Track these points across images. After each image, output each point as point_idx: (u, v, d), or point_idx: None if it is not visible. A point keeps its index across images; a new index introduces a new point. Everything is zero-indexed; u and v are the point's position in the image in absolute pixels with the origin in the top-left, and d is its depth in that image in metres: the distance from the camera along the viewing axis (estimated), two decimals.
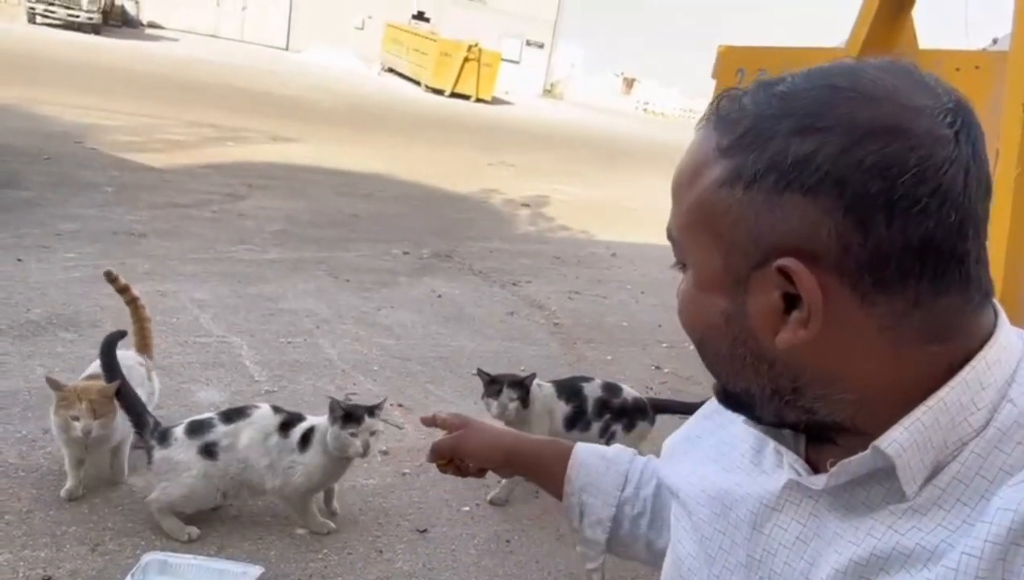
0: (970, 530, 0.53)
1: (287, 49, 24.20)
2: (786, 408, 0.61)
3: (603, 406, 2.58)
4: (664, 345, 4.41)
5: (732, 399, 0.67)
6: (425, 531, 2.38)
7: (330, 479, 2.28)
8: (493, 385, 2.48)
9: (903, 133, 0.52)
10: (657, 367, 4.07)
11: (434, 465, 1.03)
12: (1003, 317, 0.60)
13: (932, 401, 0.55)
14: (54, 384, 2.18)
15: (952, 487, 0.55)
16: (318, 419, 2.25)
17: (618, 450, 1.01)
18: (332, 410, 2.18)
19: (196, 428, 2.20)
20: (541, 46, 29.21)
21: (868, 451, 0.56)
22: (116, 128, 7.98)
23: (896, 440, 0.55)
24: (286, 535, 2.25)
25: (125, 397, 2.22)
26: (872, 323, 0.55)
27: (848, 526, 0.59)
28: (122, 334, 2.41)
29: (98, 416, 2.15)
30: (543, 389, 2.59)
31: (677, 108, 36.78)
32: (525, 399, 2.46)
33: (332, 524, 2.30)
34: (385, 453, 2.77)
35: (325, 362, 3.45)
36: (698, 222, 0.60)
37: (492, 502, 2.56)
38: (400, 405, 3.13)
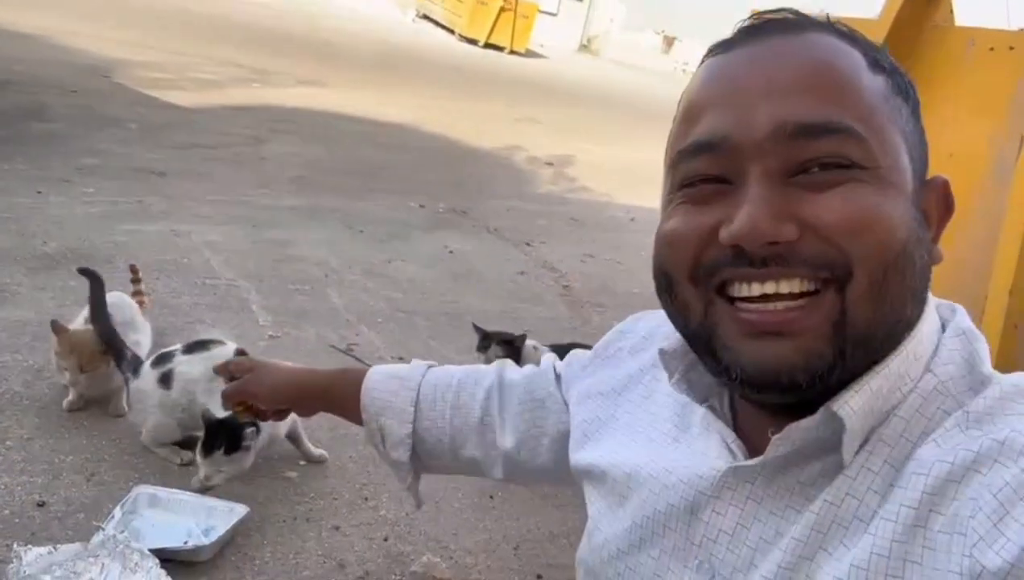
0: (889, 494, 0.54)
1: None
2: (886, 346, 0.58)
3: None
4: None
5: (838, 365, 0.56)
6: None
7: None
8: (485, 340, 2.52)
9: None
10: None
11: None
12: (929, 292, 0.62)
13: (881, 368, 0.56)
14: (56, 328, 2.27)
15: (878, 449, 0.56)
16: None
17: (413, 366, 1.02)
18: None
19: (160, 359, 2.28)
20: None
21: (819, 413, 0.56)
22: (145, 64, 8.00)
23: (848, 403, 0.55)
24: (276, 478, 2.32)
25: (106, 336, 2.31)
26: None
27: (786, 507, 0.59)
28: (101, 288, 2.46)
29: (85, 371, 2.26)
30: (538, 352, 2.61)
31: None
32: (513, 358, 2.48)
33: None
34: None
35: (331, 311, 3.49)
36: (888, 117, 0.58)
37: None
38: (401, 358, 3.17)
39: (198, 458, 2.08)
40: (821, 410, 0.56)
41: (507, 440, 0.93)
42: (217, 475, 2.08)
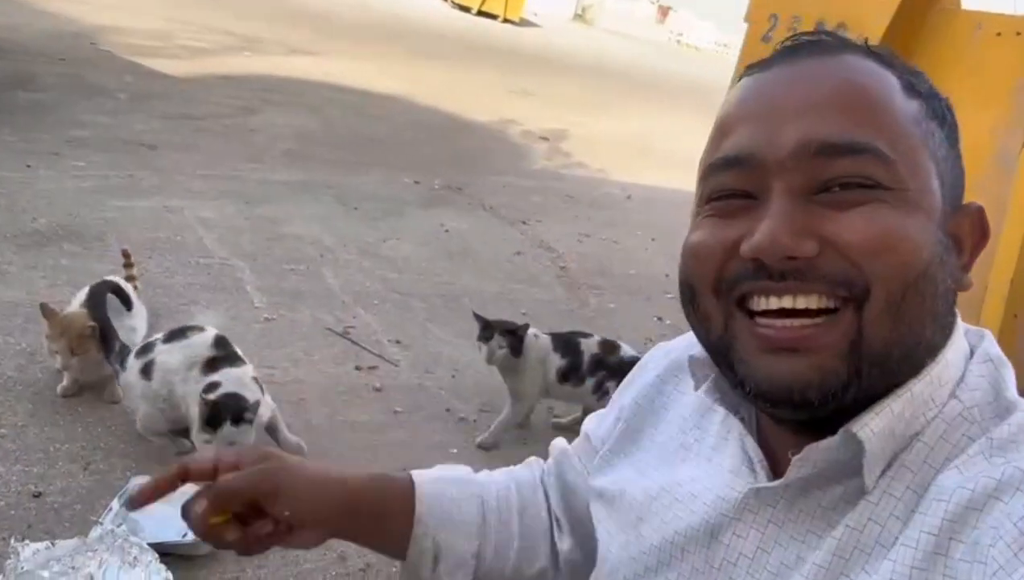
0: (909, 519, 0.54)
1: None
2: (904, 368, 0.57)
3: (599, 363, 2.57)
4: (669, 296, 4.37)
5: (859, 381, 0.55)
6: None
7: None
8: (487, 330, 2.49)
9: None
10: (659, 318, 4.06)
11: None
12: (958, 317, 0.62)
13: (903, 391, 0.56)
14: (45, 311, 2.23)
15: (900, 474, 0.56)
16: (234, 374, 2.15)
17: (461, 469, 0.87)
18: (201, 406, 2.03)
19: (143, 349, 2.24)
20: None
21: (839, 435, 0.55)
22: (133, 31, 7.83)
23: (868, 425, 0.55)
24: None
25: (100, 326, 2.30)
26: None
27: (807, 531, 0.59)
28: (110, 285, 2.47)
29: (76, 354, 2.23)
30: (539, 340, 2.59)
31: (711, 42, 35.64)
32: (516, 348, 2.47)
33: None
34: (379, 390, 2.79)
35: (326, 292, 3.45)
36: (920, 141, 0.58)
37: (480, 446, 2.59)
38: (398, 341, 3.15)
39: (204, 438, 2.03)
40: (841, 432, 0.55)
41: (565, 541, 0.85)
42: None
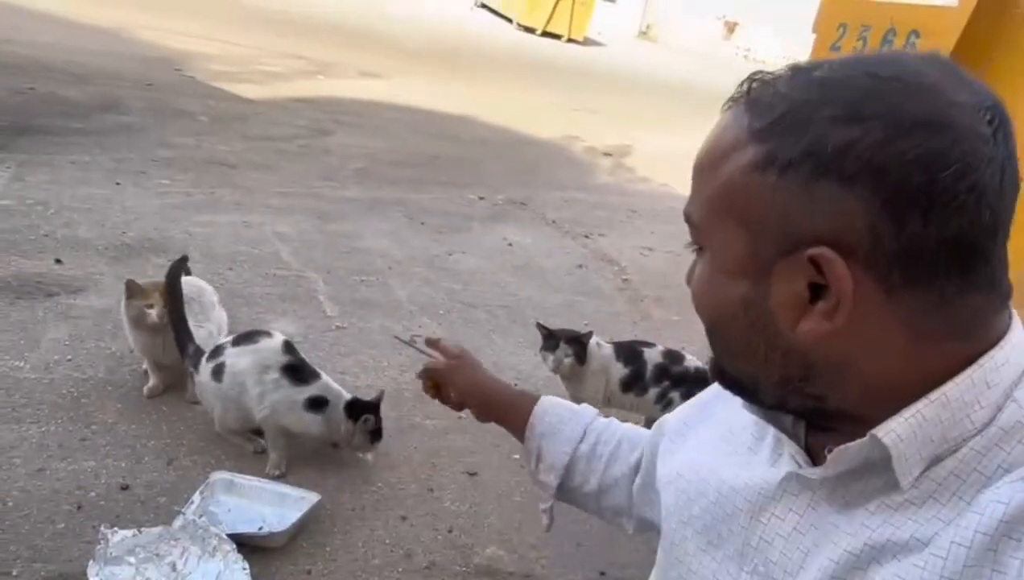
0: (961, 520, 0.54)
1: None
2: (791, 395, 0.62)
3: (662, 372, 2.57)
4: None
5: (733, 382, 0.68)
6: (475, 474, 2.47)
7: (313, 442, 2.40)
8: (551, 339, 2.53)
9: (947, 128, 0.52)
10: None
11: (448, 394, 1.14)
12: (1016, 320, 0.60)
13: (935, 395, 0.56)
14: (132, 284, 2.43)
15: (949, 482, 0.56)
16: (331, 384, 2.34)
17: (585, 407, 1.06)
18: (348, 408, 2.28)
19: (214, 352, 2.35)
20: None
21: (866, 438, 0.57)
22: (214, 57, 8.22)
23: (894, 430, 0.56)
24: (344, 468, 2.38)
25: (176, 320, 2.43)
26: (895, 318, 0.55)
27: (844, 517, 0.60)
28: (184, 260, 2.65)
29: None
30: (602, 349, 2.61)
31: (780, 56, 35.01)
32: (581, 356, 2.50)
33: (282, 470, 2.29)
34: None
35: (394, 303, 3.55)
36: (725, 206, 0.59)
37: None
38: None
39: (376, 444, 2.33)
40: (868, 435, 0.56)
41: (640, 503, 0.96)
42: None
